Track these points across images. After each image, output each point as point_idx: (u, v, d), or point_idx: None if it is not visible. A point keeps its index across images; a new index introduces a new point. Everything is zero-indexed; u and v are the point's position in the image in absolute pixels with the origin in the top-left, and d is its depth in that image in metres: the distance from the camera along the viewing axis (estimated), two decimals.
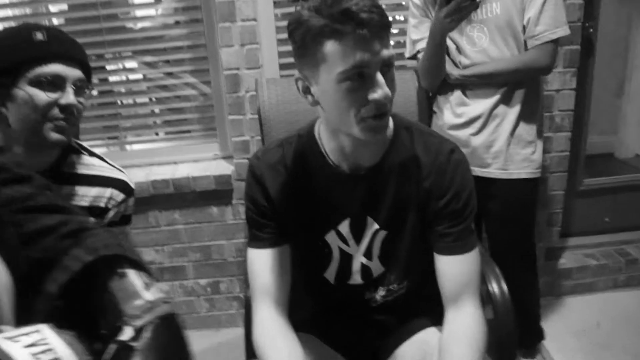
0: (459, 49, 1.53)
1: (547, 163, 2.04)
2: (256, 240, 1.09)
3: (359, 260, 1.09)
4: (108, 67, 2.02)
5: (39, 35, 1.05)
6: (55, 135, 1.06)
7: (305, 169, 1.06)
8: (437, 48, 1.47)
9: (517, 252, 1.65)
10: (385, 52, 0.87)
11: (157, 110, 2.17)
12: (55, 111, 1.05)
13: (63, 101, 1.05)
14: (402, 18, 1.99)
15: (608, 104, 3.01)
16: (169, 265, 2.12)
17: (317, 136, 1.06)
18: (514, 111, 1.53)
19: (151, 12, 2.03)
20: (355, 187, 1.04)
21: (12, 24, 1.82)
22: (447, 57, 1.56)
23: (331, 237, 1.08)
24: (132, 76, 2.07)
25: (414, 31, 1.58)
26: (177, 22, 1.99)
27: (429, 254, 1.06)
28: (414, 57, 1.61)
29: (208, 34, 1.91)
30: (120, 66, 2.04)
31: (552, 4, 1.42)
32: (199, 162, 2.06)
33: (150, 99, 2.11)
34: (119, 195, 1.21)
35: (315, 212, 1.07)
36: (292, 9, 1.89)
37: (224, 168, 1.98)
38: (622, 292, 2.27)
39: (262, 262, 1.07)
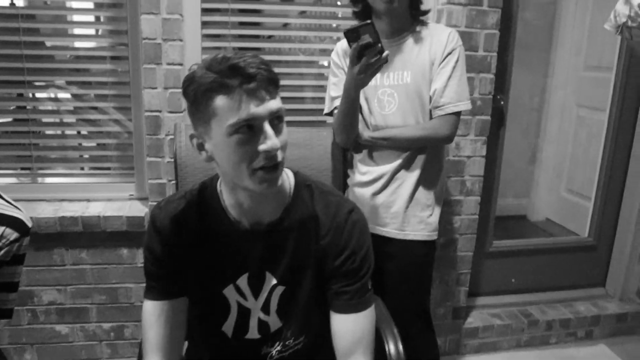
0: (370, 110, 1.59)
1: (457, 225, 2.13)
2: (151, 291, 1.08)
3: (256, 315, 1.10)
4: (26, 94, 1.95)
5: None
6: None
7: (205, 223, 1.06)
8: (351, 104, 1.51)
9: (413, 311, 1.69)
10: (274, 104, 0.91)
11: (75, 144, 2.09)
12: None
13: None
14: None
15: (522, 170, 3.22)
16: (71, 306, 2.01)
17: (219, 190, 1.07)
18: (413, 175, 1.59)
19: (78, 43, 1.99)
20: (254, 243, 1.06)
21: None
22: (361, 117, 1.61)
23: (229, 292, 1.08)
24: (51, 107, 2.00)
25: (333, 88, 1.64)
26: (103, 57, 1.97)
27: (327, 310, 1.08)
28: (331, 113, 1.66)
29: (133, 74, 1.89)
30: (41, 95, 1.97)
31: (456, 79, 1.52)
32: (113, 201, 2.00)
33: (63, 132, 2.04)
34: (12, 234, 1.16)
35: (214, 266, 1.07)
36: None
37: (138, 210, 1.93)
38: (524, 351, 2.36)
39: (156, 315, 1.06)
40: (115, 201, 2.00)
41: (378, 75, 1.52)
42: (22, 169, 2.05)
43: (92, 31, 2.10)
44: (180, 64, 1.80)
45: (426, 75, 1.53)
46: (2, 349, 2.00)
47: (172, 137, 1.83)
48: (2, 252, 1.15)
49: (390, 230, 1.62)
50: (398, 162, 1.58)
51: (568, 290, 2.55)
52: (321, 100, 1.74)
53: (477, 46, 1.93)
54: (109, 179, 2.05)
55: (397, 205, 1.60)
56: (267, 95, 0.90)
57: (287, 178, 1.09)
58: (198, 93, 0.90)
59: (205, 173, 1.41)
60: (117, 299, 2.01)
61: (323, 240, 1.06)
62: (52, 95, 1.99)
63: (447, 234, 2.14)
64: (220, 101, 0.89)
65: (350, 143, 1.64)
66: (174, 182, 1.82)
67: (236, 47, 1.93)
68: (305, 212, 1.07)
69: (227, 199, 1.05)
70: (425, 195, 1.61)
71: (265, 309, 1.09)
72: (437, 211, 1.65)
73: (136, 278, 2.00)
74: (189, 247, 1.05)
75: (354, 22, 1.45)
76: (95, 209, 1.92)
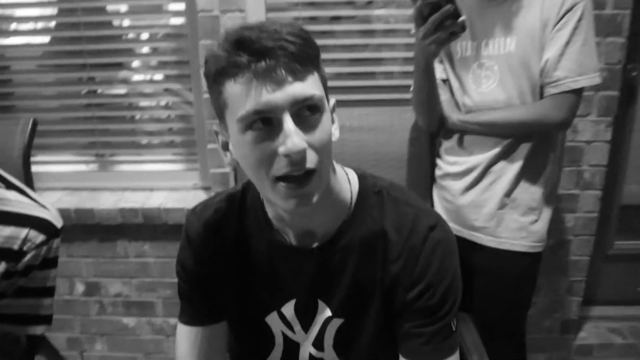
0: (462, 89, 1.29)
1: (570, 225, 1.76)
2: (185, 313, 0.91)
3: (307, 350, 0.88)
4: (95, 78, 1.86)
5: None
6: None
7: (245, 235, 0.86)
8: (423, 78, 1.23)
9: (502, 336, 1.37)
10: (299, 88, 0.66)
11: (139, 129, 1.97)
12: None
13: None
14: None
15: None
16: (137, 300, 1.93)
17: (263, 195, 0.85)
18: (513, 168, 1.26)
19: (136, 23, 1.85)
20: (303, 264, 0.83)
21: None
22: (450, 97, 1.32)
23: (273, 320, 0.88)
24: (115, 91, 1.90)
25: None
26: (164, 35, 1.81)
27: (397, 349, 0.83)
28: None
29: (191, 52, 1.72)
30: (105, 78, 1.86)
31: (577, 44, 1.15)
32: (176, 190, 1.86)
33: (132, 116, 1.92)
34: (39, 237, 1.03)
35: (255, 289, 0.87)
36: None
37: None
38: None
39: (190, 342, 0.89)
40: (179, 190, 1.86)
41: (470, 44, 1.23)
42: (96, 155, 1.97)
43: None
44: None
45: (536, 41, 1.18)
46: (74, 338, 1.98)
47: None
48: (29, 256, 1.02)
49: (480, 235, 1.32)
50: (495, 151, 1.26)
51: None
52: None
53: (604, 2, 1.53)
54: (174, 167, 1.92)
55: (490, 206, 1.29)
56: (290, 76, 0.65)
57: (348, 182, 0.84)
58: (209, 79, 0.70)
59: None
60: None
61: (393, 265, 0.80)
62: (119, 78, 1.88)
63: (558, 235, 1.77)
64: (229, 88, 0.67)
65: (433, 126, 1.34)
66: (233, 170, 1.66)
67: (307, 17, 1.69)
68: (370, 228, 0.81)
69: (268, 208, 0.83)
70: (529, 195, 1.28)
71: (318, 343, 0.87)
72: (545, 216, 1.31)
73: None
74: (225, 263, 0.86)
75: None
76: (156, 200, 1.79)
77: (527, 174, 1.27)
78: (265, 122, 0.66)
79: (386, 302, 0.82)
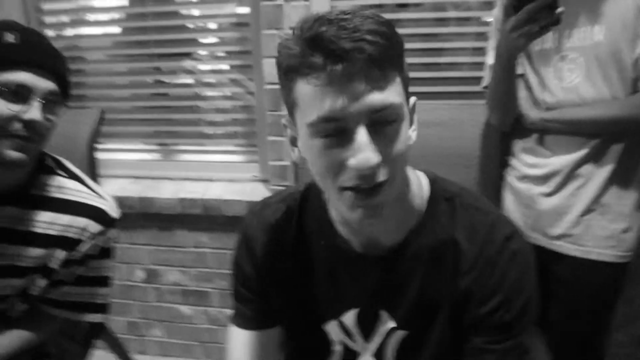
0: (542, 84, 1.18)
1: None
2: (239, 316, 0.88)
3: (366, 359, 0.83)
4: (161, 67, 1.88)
5: (10, 37, 0.92)
6: (13, 154, 0.91)
7: (306, 237, 0.82)
8: (504, 73, 1.15)
9: (581, 348, 1.26)
10: (377, 98, 0.59)
11: (203, 119, 1.98)
12: (17, 126, 0.91)
13: (26, 116, 0.90)
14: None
15: None
16: (195, 289, 1.94)
17: (327, 196, 0.80)
18: (604, 172, 1.14)
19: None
20: (367, 272, 0.78)
21: None
22: (528, 94, 1.21)
23: (332, 328, 0.83)
24: (180, 80, 1.91)
25: (490, 55, 1.25)
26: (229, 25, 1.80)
27: None
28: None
29: (254, 41, 1.69)
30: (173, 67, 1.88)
31: None
32: (235, 182, 1.85)
33: (196, 106, 1.93)
34: (95, 227, 1.04)
35: (315, 295, 0.82)
36: None
37: (260, 193, 1.76)
38: None
39: (242, 346, 0.87)
40: (238, 182, 1.85)
41: (551, 35, 1.12)
42: (159, 144, 1.99)
43: None
44: None
45: (629, 30, 1.06)
46: (133, 322, 2.03)
47: None
48: (87, 245, 1.03)
49: (562, 244, 1.20)
50: (582, 152, 1.15)
51: None
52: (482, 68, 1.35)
53: None
54: (234, 157, 1.91)
55: (575, 212, 1.17)
56: (368, 84, 0.58)
57: (419, 186, 0.78)
58: (281, 71, 0.65)
59: None
60: None
61: (465, 277, 0.74)
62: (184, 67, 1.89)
63: None
64: (301, 87, 0.61)
65: (508, 124, 1.25)
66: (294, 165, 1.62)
67: (373, 4, 1.61)
68: (441, 237, 0.75)
69: (333, 211, 0.78)
70: (620, 201, 1.16)
71: (379, 355, 0.82)
72: (637, 223, 1.18)
73: None
74: (284, 267, 0.83)
75: None
76: (215, 191, 1.79)
77: (619, 177, 1.15)
78: (336, 130, 0.61)
79: (454, 316, 0.76)
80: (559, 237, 1.21)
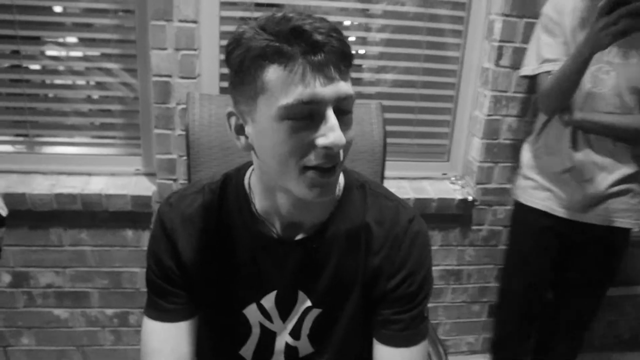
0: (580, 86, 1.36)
1: None
2: (155, 309, 0.86)
3: (283, 339, 0.89)
4: (22, 51, 1.69)
5: None
6: None
7: (227, 226, 0.85)
8: (581, 66, 1.27)
9: (585, 325, 1.64)
10: (344, 87, 0.67)
11: (75, 109, 1.84)
12: None
13: None
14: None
15: None
16: (71, 290, 1.82)
17: (247, 186, 0.85)
18: (624, 169, 1.46)
19: None
20: (287, 255, 0.84)
21: None
22: None
23: (251, 312, 0.87)
24: (47, 66, 1.75)
25: (547, 49, 1.41)
26: (107, 10, 1.69)
27: (370, 337, 0.87)
28: (531, 77, 1.49)
29: (139, 31, 1.63)
30: (37, 52, 1.71)
31: None
32: (117, 175, 1.77)
33: (61, 95, 1.78)
34: None
35: (234, 281, 0.86)
36: (242, 13, 1.64)
37: (145, 187, 1.71)
38: None
39: (160, 340, 0.85)
40: (120, 176, 1.77)
41: None
42: (18, 135, 1.81)
43: None
44: (195, 22, 1.53)
45: None
46: None
47: (183, 106, 1.58)
48: None
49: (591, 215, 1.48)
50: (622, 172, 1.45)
51: None
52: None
53: None
54: (114, 150, 1.81)
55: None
56: (337, 74, 0.67)
57: None
58: (246, 60, 0.68)
59: (221, 156, 1.23)
60: (121, 284, 1.82)
61: (375, 256, 0.84)
62: (50, 53, 1.73)
63: None
64: (273, 73, 0.66)
65: (556, 113, 1.45)
66: (185, 158, 1.60)
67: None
68: (354, 221, 0.84)
69: (258, 199, 0.83)
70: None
71: (295, 333, 0.89)
72: None
73: (141, 262, 1.79)
74: (205, 256, 0.84)
75: None
76: (96, 185, 1.69)
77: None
78: (307, 114, 0.67)
79: (365, 292, 0.85)
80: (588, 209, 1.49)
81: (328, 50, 0.65)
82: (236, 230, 0.84)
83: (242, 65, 0.69)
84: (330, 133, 0.67)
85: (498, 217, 1.91)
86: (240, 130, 0.76)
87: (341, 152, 0.71)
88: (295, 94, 0.65)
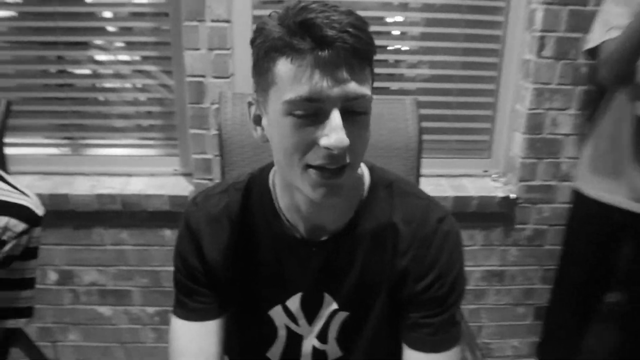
0: None
1: None
2: (183, 308, 0.86)
3: (310, 342, 0.87)
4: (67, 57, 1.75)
5: None
6: None
7: (251, 227, 0.83)
8: None
9: None
10: (353, 88, 0.64)
11: (117, 112, 1.89)
12: None
13: None
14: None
15: None
16: (113, 288, 1.87)
17: (272, 185, 0.83)
18: None
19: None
20: (311, 257, 0.82)
21: None
22: None
23: (277, 314, 0.86)
24: (89, 70, 1.80)
25: (615, 18, 1.35)
26: (143, 14, 1.73)
27: (399, 341, 0.83)
28: (591, 52, 1.42)
29: (173, 32, 1.65)
30: (79, 57, 1.76)
31: None
32: (155, 176, 1.80)
33: (105, 98, 1.83)
34: (18, 225, 0.99)
35: (259, 282, 0.84)
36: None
37: (182, 187, 1.73)
38: None
39: (188, 339, 0.85)
40: (159, 176, 1.81)
41: None
42: (64, 138, 1.87)
43: None
44: (227, 21, 1.54)
45: None
46: (46, 328, 1.91)
47: (217, 106, 1.59)
48: (10, 245, 0.98)
49: None
50: None
51: None
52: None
53: None
54: (153, 151, 1.85)
55: None
56: (347, 73, 0.63)
57: (361, 174, 0.83)
58: (261, 51, 0.68)
59: (255, 151, 1.22)
60: (160, 283, 1.85)
61: (402, 258, 0.80)
62: (92, 57, 1.78)
63: None
64: (282, 66, 0.65)
65: (619, 80, 1.38)
66: (220, 158, 1.61)
67: None
68: (380, 221, 0.81)
69: (280, 196, 0.82)
70: None
71: (322, 336, 0.86)
72: None
73: None
74: (230, 256, 0.84)
75: None
76: (135, 186, 1.73)
77: None
78: (313, 110, 0.65)
79: (393, 295, 0.82)
80: None
81: (338, 47, 0.62)
82: (260, 230, 0.83)
83: (259, 56, 0.68)
84: (332, 134, 0.64)
85: (543, 215, 1.83)
86: (257, 120, 0.75)
87: (349, 154, 0.67)
88: (299, 89, 0.64)
